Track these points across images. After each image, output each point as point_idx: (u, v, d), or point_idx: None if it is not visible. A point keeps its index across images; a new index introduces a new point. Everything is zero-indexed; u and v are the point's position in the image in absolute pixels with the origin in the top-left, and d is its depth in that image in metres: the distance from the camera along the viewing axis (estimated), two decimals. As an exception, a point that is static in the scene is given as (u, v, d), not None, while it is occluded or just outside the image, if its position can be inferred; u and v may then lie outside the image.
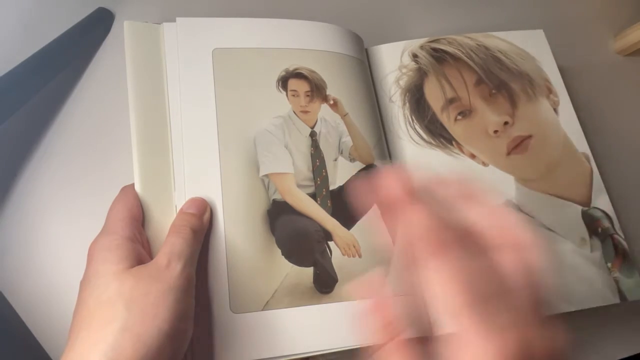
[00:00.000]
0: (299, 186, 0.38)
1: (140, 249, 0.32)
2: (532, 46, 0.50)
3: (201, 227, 0.34)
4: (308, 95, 0.41)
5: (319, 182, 0.39)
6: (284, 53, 0.41)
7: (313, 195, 0.38)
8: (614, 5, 0.64)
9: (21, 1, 0.48)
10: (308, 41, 0.42)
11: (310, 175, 0.39)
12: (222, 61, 0.40)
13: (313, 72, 0.41)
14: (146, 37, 0.39)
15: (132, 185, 0.35)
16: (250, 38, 0.41)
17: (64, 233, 0.41)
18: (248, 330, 0.33)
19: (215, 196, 0.36)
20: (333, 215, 0.38)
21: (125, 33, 0.38)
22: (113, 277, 0.28)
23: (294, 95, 0.40)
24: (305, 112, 0.40)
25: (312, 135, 0.40)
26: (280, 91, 0.40)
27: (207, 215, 0.35)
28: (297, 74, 0.41)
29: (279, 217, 0.37)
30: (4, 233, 0.40)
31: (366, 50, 0.47)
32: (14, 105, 0.41)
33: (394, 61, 0.47)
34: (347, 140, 0.41)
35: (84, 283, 0.30)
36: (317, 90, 0.41)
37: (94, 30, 0.48)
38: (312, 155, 0.39)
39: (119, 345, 0.26)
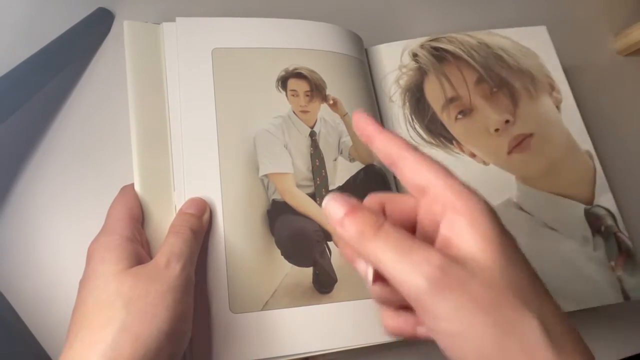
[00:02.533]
0: (299, 186, 0.38)
1: (140, 249, 0.32)
2: (534, 43, 0.50)
3: (201, 228, 0.34)
4: (308, 95, 0.41)
5: (318, 182, 0.39)
6: (284, 53, 0.41)
7: (312, 195, 0.38)
8: (614, 5, 0.63)
9: (21, 1, 0.48)
10: (308, 41, 0.42)
11: (310, 175, 0.39)
12: (222, 61, 0.40)
13: (313, 72, 0.41)
14: (146, 37, 0.39)
15: (132, 185, 0.35)
16: (250, 38, 0.41)
17: (63, 233, 0.41)
18: (247, 330, 0.33)
19: (214, 196, 0.36)
20: None
21: (125, 33, 0.38)
22: (112, 277, 0.28)
23: (293, 95, 0.40)
24: (305, 112, 0.40)
25: (312, 135, 0.40)
26: (280, 91, 0.40)
27: (206, 216, 0.35)
28: (297, 74, 0.41)
29: (279, 217, 0.37)
30: (4, 233, 0.40)
31: (366, 50, 0.47)
32: (14, 105, 0.41)
33: (393, 61, 0.47)
34: (347, 140, 0.41)
35: (83, 283, 0.30)
36: (317, 90, 0.41)
37: (94, 30, 0.48)
38: (311, 155, 0.39)
39: (118, 346, 0.26)
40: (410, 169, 0.25)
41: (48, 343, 0.38)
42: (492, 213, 0.23)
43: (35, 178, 0.42)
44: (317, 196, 0.38)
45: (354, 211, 0.24)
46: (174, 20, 0.40)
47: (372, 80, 0.46)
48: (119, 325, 0.27)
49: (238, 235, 0.36)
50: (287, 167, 0.38)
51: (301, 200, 0.38)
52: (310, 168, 0.39)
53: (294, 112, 0.40)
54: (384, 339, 0.35)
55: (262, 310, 0.34)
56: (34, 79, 0.42)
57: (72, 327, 0.28)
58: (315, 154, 0.40)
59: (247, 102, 0.39)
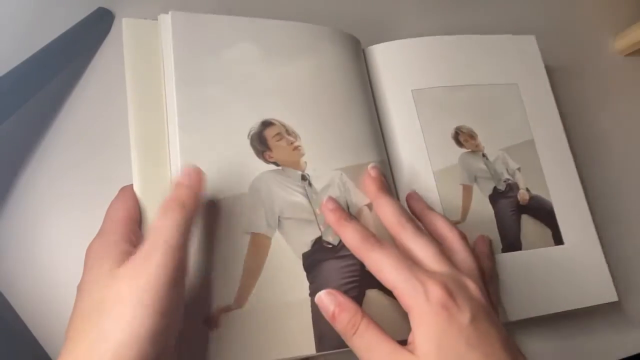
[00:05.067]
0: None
1: (135, 250, 0.31)
2: (521, 51, 0.50)
3: (194, 204, 0.32)
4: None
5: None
6: (281, 51, 0.41)
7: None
8: (614, 5, 0.63)
9: (21, 1, 0.48)
10: (307, 43, 0.42)
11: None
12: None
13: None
14: (145, 34, 0.39)
15: (131, 186, 0.35)
16: (244, 37, 0.41)
17: (64, 233, 0.41)
18: (249, 330, 0.33)
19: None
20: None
21: (124, 30, 0.38)
22: (107, 280, 0.28)
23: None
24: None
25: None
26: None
27: (201, 187, 0.33)
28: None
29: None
30: (4, 233, 0.40)
31: (363, 50, 0.47)
32: (14, 105, 0.41)
33: (391, 60, 0.47)
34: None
35: (80, 287, 0.29)
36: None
37: (94, 30, 0.48)
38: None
39: (98, 355, 0.26)
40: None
41: (48, 343, 0.38)
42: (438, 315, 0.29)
43: (35, 178, 0.42)
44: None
45: (339, 311, 0.32)
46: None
47: (370, 81, 0.46)
48: (98, 333, 0.26)
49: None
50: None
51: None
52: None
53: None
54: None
55: (264, 309, 0.34)
56: (34, 79, 0.42)
57: (68, 333, 0.28)
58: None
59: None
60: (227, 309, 0.33)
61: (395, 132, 0.44)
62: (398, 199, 0.42)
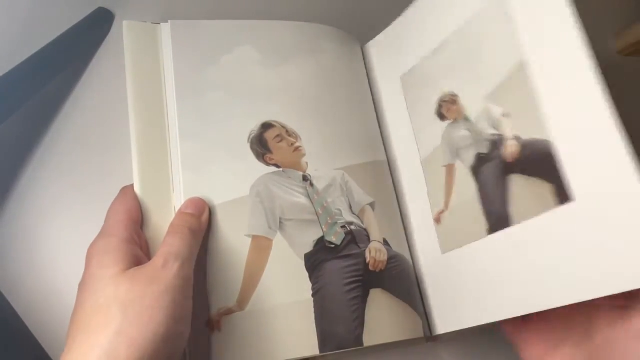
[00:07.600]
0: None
1: (139, 251, 0.32)
2: None
3: (199, 227, 0.34)
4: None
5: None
6: (280, 52, 0.41)
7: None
8: (614, 5, 0.63)
9: (21, 1, 0.48)
10: (303, 43, 0.42)
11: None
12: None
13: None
14: (145, 37, 0.39)
15: (132, 186, 0.35)
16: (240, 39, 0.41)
17: (64, 233, 0.41)
18: (251, 332, 0.33)
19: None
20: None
21: (125, 33, 0.38)
22: (109, 280, 0.28)
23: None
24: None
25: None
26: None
27: (205, 216, 0.35)
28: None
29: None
30: (4, 233, 0.40)
31: (362, 49, 0.47)
32: (14, 105, 0.41)
33: (387, 56, 0.45)
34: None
35: (81, 286, 0.30)
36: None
37: (94, 30, 0.48)
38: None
39: (114, 350, 0.26)
40: None
41: (48, 343, 0.38)
42: None
43: (35, 179, 0.42)
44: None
45: None
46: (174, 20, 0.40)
47: (369, 79, 0.46)
48: (114, 329, 0.26)
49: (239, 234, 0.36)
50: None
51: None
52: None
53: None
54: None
55: (266, 310, 0.34)
56: (34, 79, 0.42)
57: (71, 331, 0.28)
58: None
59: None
60: (229, 312, 0.34)
61: (389, 128, 0.44)
62: (398, 202, 0.42)
